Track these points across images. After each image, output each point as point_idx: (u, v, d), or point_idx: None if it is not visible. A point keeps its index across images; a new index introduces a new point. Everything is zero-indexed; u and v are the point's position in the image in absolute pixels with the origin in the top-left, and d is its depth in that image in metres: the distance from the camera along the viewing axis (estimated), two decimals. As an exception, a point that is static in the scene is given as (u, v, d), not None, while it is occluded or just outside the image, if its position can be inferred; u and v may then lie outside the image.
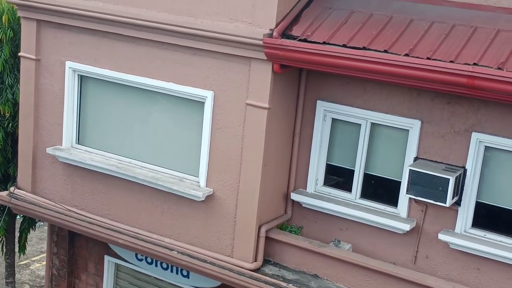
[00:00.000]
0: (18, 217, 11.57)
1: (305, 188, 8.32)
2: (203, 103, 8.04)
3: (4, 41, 10.32)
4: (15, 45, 10.34)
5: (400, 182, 7.68)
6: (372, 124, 7.76)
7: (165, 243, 8.57)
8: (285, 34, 7.36)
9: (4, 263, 12.12)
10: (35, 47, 9.22)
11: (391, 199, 7.83)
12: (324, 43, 7.13)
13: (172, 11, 8.00)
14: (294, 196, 8.31)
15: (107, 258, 10.12)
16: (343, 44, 7.04)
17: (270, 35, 7.32)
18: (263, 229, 8.00)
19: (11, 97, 10.38)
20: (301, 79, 8.04)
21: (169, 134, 8.52)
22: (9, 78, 10.40)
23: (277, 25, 7.37)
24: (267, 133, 7.68)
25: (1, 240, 11.71)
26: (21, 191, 9.71)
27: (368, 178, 7.98)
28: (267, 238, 8.08)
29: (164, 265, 9.38)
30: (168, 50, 8.15)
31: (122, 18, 8.26)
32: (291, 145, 8.25)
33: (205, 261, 8.25)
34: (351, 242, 8.07)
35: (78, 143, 9.26)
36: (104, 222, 9.05)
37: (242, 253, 8.06)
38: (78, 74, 9.04)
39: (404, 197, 7.65)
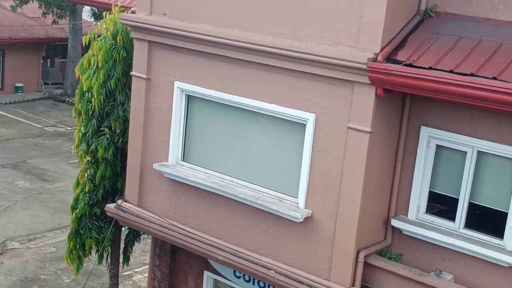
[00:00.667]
0: (123, 229, 12.00)
1: (406, 215, 8.17)
2: (305, 125, 8.10)
3: (118, 61, 10.81)
4: (128, 64, 10.80)
5: (506, 213, 7.39)
6: (479, 152, 7.53)
7: (263, 262, 8.65)
8: (390, 59, 7.30)
9: (108, 273, 12.61)
10: (146, 67, 9.63)
11: (497, 230, 7.54)
12: (430, 68, 7.01)
13: (277, 34, 8.14)
14: (395, 223, 8.18)
15: (206, 273, 10.33)
16: (450, 70, 6.89)
17: (375, 59, 7.29)
18: (361, 254, 7.92)
19: (122, 114, 10.84)
20: (405, 104, 7.94)
21: (270, 154, 8.63)
22: (121, 96, 10.87)
23: (382, 49, 7.33)
24: (369, 157, 7.63)
25: (107, 251, 12.19)
26: (128, 204, 10.11)
27: (472, 208, 7.74)
28: (366, 264, 7.98)
29: (261, 284, 9.46)
30: (271, 72, 8.29)
31: (229, 41, 8.49)
32: (393, 170, 8.14)
33: (302, 283, 8.25)
34: (453, 273, 7.83)
35: (183, 160, 9.55)
36: (205, 238, 9.25)
37: (340, 277, 8.00)
38: (186, 94, 9.34)
39: (510, 229, 7.35)
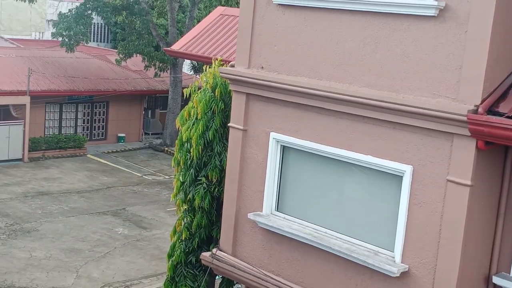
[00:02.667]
0: (217, 277, 12.11)
1: (509, 272, 7.80)
2: (401, 177, 7.98)
3: (216, 112, 11.13)
4: (225, 116, 11.10)
5: None
6: None
7: (357, 317, 8.47)
8: (491, 111, 7.13)
9: (202, 320, 12.69)
10: (243, 118, 9.85)
11: None
12: (533, 120, 6.79)
13: (374, 86, 8.15)
14: (497, 280, 7.82)
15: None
16: (555, 123, 6.66)
17: (475, 111, 7.14)
18: (461, 313, 7.61)
19: (219, 163, 11.09)
20: (507, 157, 7.68)
21: (365, 206, 8.54)
22: (218, 146, 11.15)
23: (482, 101, 7.17)
24: (469, 211, 7.39)
25: (201, 299, 12.31)
26: (223, 253, 10.22)
27: None
28: (465, 323, 7.65)
29: None
30: (368, 123, 8.27)
31: (325, 93, 8.57)
32: (494, 225, 7.83)
33: None
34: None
35: (277, 210, 9.60)
36: (297, 290, 9.19)
37: (437, 336, 7.70)
38: (281, 145, 9.46)
39: None
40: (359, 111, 8.27)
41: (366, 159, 8.33)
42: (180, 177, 11.51)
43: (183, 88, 32.54)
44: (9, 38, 36.80)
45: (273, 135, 9.47)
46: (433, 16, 7.55)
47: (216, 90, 11.18)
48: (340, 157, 8.68)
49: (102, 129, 33.09)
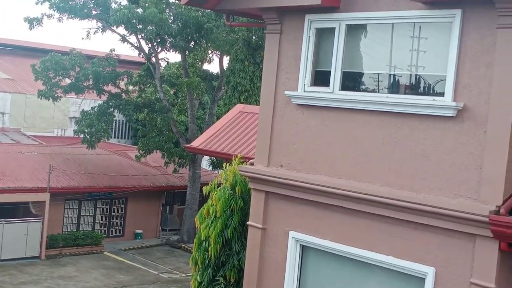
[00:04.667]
0: None
1: None
2: (423, 279, 7.79)
3: (235, 210, 11.07)
4: (244, 214, 11.02)
5: None
6: None
7: None
8: (513, 212, 7.04)
9: None
10: (262, 217, 9.79)
11: None
12: (557, 222, 6.67)
13: (393, 185, 8.11)
14: None
15: None
16: None
17: (497, 212, 7.04)
18: None
19: (237, 263, 10.91)
20: (532, 259, 7.49)
21: (388, 309, 8.29)
22: (237, 245, 11.01)
23: (504, 202, 7.09)
24: (495, 316, 7.14)
25: None
26: None
27: None
28: None
29: None
30: (388, 223, 8.16)
31: (344, 192, 8.53)
32: (523, 331, 7.53)
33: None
34: None
35: (297, 312, 9.36)
36: None
37: None
38: (300, 244, 9.33)
39: None
40: (380, 210, 8.20)
41: (387, 260, 8.17)
42: (198, 277, 11.31)
43: (201, 183, 32.70)
44: (31, 135, 37.57)
45: (292, 234, 9.37)
46: (452, 117, 7.60)
47: (236, 188, 11.16)
48: (360, 257, 8.52)
49: (120, 225, 33.01)
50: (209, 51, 34.84)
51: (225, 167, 11.85)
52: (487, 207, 7.13)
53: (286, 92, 9.43)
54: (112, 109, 32.63)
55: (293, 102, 9.41)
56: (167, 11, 30.35)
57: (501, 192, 7.11)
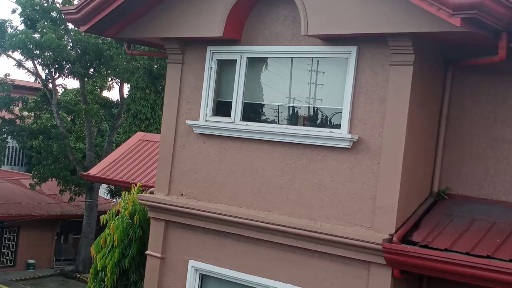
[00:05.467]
0: None
1: None
2: (321, 306, 7.96)
3: (133, 239, 10.92)
4: (143, 243, 10.88)
5: None
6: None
7: None
8: (405, 240, 7.36)
9: None
10: (161, 246, 9.69)
11: None
12: (446, 250, 7.04)
13: (292, 214, 8.29)
14: None
15: None
16: (466, 252, 6.91)
17: (390, 240, 7.34)
18: None
19: (135, 293, 10.76)
20: (422, 285, 7.85)
21: (286, 337, 8.39)
22: (134, 275, 10.83)
23: (396, 230, 7.41)
24: None
25: None
26: None
27: None
28: None
29: None
30: (286, 251, 8.32)
31: (244, 220, 8.62)
32: None
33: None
34: None
35: None
36: None
37: None
38: (200, 273, 9.31)
39: None
40: (279, 238, 8.34)
41: (285, 288, 8.30)
42: (94, 308, 11.03)
43: (98, 212, 31.91)
44: None
45: (191, 263, 9.34)
46: (347, 148, 7.90)
47: (135, 217, 11.03)
48: (260, 285, 8.61)
49: (12, 255, 31.57)
50: (109, 79, 34.33)
51: (124, 195, 11.69)
52: (380, 235, 7.43)
53: (188, 122, 9.47)
54: (5, 135, 31.38)
55: (194, 131, 9.46)
56: (66, 37, 29.73)
57: (393, 220, 7.44)
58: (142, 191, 11.37)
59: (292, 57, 8.62)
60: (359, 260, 7.62)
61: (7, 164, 41.41)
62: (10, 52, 30.17)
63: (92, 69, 31.35)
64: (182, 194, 9.57)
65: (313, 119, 8.51)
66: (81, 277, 31.00)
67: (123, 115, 33.76)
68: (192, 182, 9.48)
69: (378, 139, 7.68)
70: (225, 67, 9.30)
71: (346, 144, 7.88)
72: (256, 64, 9.02)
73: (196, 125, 9.38)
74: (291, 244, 8.22)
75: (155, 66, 32.52)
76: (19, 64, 31.08)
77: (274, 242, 8.42)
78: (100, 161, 26.33)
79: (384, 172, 7.58)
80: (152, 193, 10.08)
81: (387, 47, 7.59)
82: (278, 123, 8.76)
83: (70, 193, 32.09)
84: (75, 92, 37.04)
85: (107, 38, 28.21)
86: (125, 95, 33.74)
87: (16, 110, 31.97)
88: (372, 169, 7.70)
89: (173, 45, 9.62)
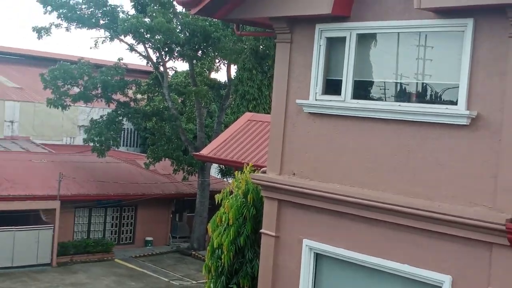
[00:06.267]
0: None
1: None
2: (440, 287, 7.79)
3: (248, 218, 11.11)
4: (257, 222, 11.06)
5: None
6: None
7: None
8: (529, 220, 7.04)
9: None
10: (275, 225, 9.81)
11: None
12: None
13: (408, 193, 8.12)
14: None
15: None
16: None
17: (513, 220, 7.05)
18: None
19: (250, 271, 10.94)
20: (549, 266, 7.49)
21: (403, 317, 8.29)
22: (250, 253, 11.03)
23: (520, 209, 7.10)
24: (512, 324, 7.14)
25: None
26: None
27: None
28: None
29: None
30: (403, 231, 8.17)
31: (358, 200, 8.55)
32: None
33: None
34: None
35: (311, 321, 9.37)
36: None
37: None
38: (314, 252, 9.35)
39: None
40: (394, 218, 8.21)
41: (402, 268, 8.18)
42: (211, 285, 11.35)
43: (210, 191, 32.75)
44: (40, 143, 37.73)
45: (306, 242, 9.39)
46: (465, 125, 7.62)
47: (248, 196, 11.20)
48: (375, 265, 8.53)
49: (130, 233, 33.06)
50: (217, 60, 34.94)
51: (237, 175, 11.90)
52: (503, 215, 7.13)
53: (298, 101, 9.47)
54: (121, 118, 32.75)
55: (304, 111, 9.45)
56: (174, 20, 30.46)
57: (517, 200, 7.13)
58: (254, 171, 11.52)
59: (402, 32, 8.39)
60: (480, 241, 7.36)
61: (123, 146, 43.23)
62: (122, 37, 31.34)
63: (200, 51, 32.02)
64: (294, 174, 9.62)
65: (427, 96, 8.27)
66: (196, 254, 31.99)
67: (231, 96, 34.29)
68: (303, 162, 9.50)
69: (499, 115, 7.35)
70: (334, 45, 9.20)
71: (463, 121, 7.60)
72: (365, 40, 8.86)
73: (306, 104, 9.37)
74: (408, 224, 8.07)
75: (261, 47, 32.72)
76: (131, 48, 32.23)
77: (389, 222, 8.29)
78: (210, 141, 26.95)
79: (505, 149, 7.26)
80: (264, 172, 10.20)
81: (506, 18, 7.22)
82: (391, 101, 8.58)
83: (183, 173, 33.08)
84: (184, 74, 38.01)
85: (214, 20, 28.68)
86: (232, 76, 34.22)
87: (130, 93, 33.26)
88: (493, 146, 7.39)
89: (281, 24, 9.62)
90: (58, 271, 27.66)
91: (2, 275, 26.15)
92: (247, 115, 21.82)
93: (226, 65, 34.37)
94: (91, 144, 31.37)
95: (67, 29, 31.35)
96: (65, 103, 30.97)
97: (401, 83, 8.54)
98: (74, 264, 28.88)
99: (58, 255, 28.41)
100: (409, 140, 8.20)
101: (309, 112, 9.39)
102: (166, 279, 28.13)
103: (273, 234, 9.83)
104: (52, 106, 30.93)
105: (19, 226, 27.37)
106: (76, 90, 31.95)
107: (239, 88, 33.73)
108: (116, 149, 35.01)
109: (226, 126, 29.34)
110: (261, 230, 10.18)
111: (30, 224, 27.98)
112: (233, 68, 34.71)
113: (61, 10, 30.29)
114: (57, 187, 28.36)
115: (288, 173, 9.71)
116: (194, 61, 32.75)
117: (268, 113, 28.29)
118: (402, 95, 8.54)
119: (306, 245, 9.38)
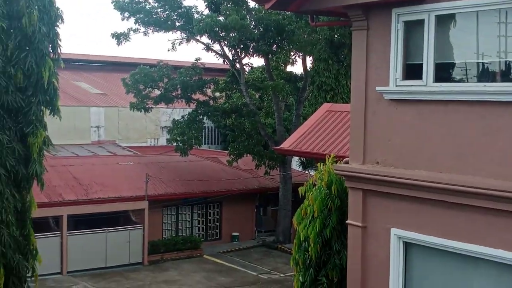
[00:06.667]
0: None
1: None
2: (538, 271, 7.51)
3: (332, 210, 11.04)
4: (342, 213, 10.97)
5: None
6: None
7: None
8: None
9: None
10: (361, 215, 9.71)
11: None
12: None
13: (499, 176, 7.86)
14: None
15: None
16: None
17: None
18: None
19: (339, 262, 10.87)
20: None
21: (500, 304, 8.05)
22: (337, 245, 10.96)
23: None
24: None
25: None
26: None
27: None
28: None
29: None
30: (496, 216, 7.91)
31: (446, 185, 8.34)
32: None
33: None
34: None
35: (403, 310, 9.23)
36: None
37: None
38: (403, 241, 9.20)
39: None
40: (485, 203, 7.96)
41: (496, 254, 7.93)
42: (300, 277, 11.36)
43: (293, 184, 32.82)
44: (126, 146, 38.84)
45: (394, 231, 9.24)
46: (557, 101, 7.30)
47: (332, 187, 11.13)
48: (467, 252, 8.31)
49: (217, 229, 33.58)
50: (292, 53, 34.91)
51: (320, 166, 11.84)
52: None
53: (377, 88, 9.33)
54: (201, 117, 33.29)
55: (385, 98, 9.29)
56: (248, 17, 30.64)
57: None
58: (336, 162, 11.44)
59: (481, 10, 8.10)
60: None
61: (205, 144, 43.91)
62: (198, 37, 31.82)
63: (275, 46, 32.08)
64: (377, 162, 9.49)
65: (506, 74, 7.96)
66: (282, 247, 32.14)
67: (308, 88, 34.19)
68: (386, 150, 9.36)
69: None
70: (412, 28, 9.00)
71: (554, 97, 7.28)
72: (443, 21, 8.62)
73: (387, 91, 9.22)
74: (499, 208, 7.80)
75: (336, 36, 32.45)
76: (207, 48, 32.67)
77: (479, 206, 8.05)
78: (289, 134, 26.97)
79: None
80: (347, 163, 10.12)
81: None
82: (473, 82, 8.32)
83: (265, 167, 33.28)
84: (260, 69, 38.21)
85: (288, 13, 28.65)
86: (308, 68, 34.11)
87: (209, 91, 33.74)
88: None
89: (357, 12, 9.50)
90: (150, 269, 28.45)
91: (97, 275, 27.15)
92: (326, 106, 21.70)
93: (301, 57, 34.28)
94: (174, 144, 32.04)
95: (145, 34, 32.14)
96: (147, 106, 31.78)
97: (483, 62, 8.26)
98: (165, 262, 29.61)
99: (149, 254, 29.22)
100: (496, 121, 7.93)
101: (390, 99, 9.24)
102: (255, 273, 28.41)
103: (360, 224, 9.74)
104: (135, 109, 31.82)
105: (110, 228, 28.33)
106: (157, 92, 32.72)
107: (315, 80, 33.60)
108: (198, 147, 35.61)
109: (305, 119, 29.30)
110: (347, 221, 10.10)
111: (120, 225, 28.91)
112: (309, 60, 34.61)
113: (138, 16, 31.08)
114: (144, 188, 29.14)
115: (372, 162, 9.58)
116: (270, 56, 32.85)
117: (347, 102, 28.05)
118: (485, 75, 8.27)
119: (395, 234, 9.24)
